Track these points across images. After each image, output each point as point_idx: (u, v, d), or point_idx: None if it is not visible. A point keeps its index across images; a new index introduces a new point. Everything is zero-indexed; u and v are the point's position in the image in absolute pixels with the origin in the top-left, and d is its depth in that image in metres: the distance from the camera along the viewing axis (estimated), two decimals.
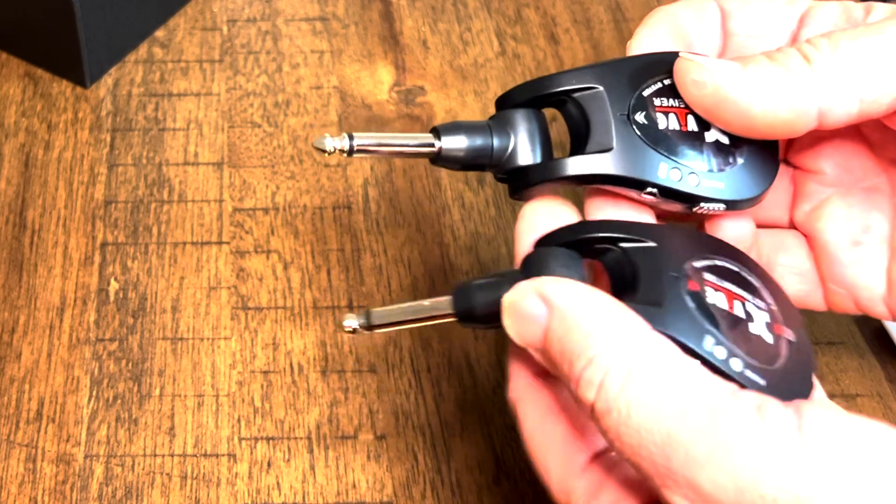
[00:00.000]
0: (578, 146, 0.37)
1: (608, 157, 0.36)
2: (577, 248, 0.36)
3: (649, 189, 0.37)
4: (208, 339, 0.48)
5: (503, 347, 0.48)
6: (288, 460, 0.44)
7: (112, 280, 0.50)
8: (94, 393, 0.46)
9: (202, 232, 0.52)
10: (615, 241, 0.36)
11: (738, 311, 0.35)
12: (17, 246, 0.51)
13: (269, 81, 0.58)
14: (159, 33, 0.60)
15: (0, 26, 0.58)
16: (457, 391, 0.47)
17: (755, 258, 0.38)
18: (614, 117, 0.37)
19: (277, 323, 0.48)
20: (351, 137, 0.37)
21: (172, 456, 0.44)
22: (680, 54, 0.36)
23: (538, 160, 0.37)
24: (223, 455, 0.44)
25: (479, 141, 0.37)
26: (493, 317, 0.34)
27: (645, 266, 0.34)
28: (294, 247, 0.51)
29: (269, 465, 0.44)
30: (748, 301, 0.35)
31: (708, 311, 0.34)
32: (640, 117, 0.37)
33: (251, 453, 0.44)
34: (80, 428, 0.45)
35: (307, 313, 0.49)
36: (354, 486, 0.44)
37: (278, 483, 0.44)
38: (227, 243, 0.51)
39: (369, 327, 0.37)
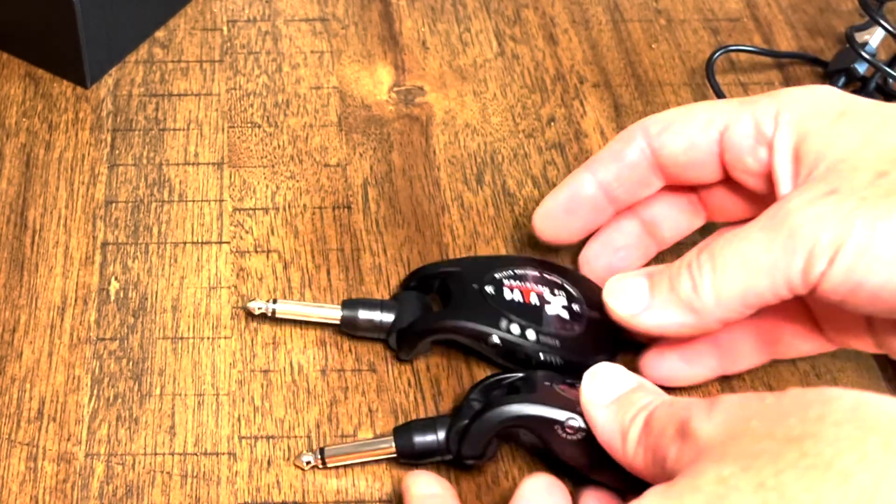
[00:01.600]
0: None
1: (459, 313, 0.46)
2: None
3: (493, 339, 0.45)
4: (208, 338, 0.48)
5: None
6: (288, 459, 0.45)
7: (113, 280, 0.50)
8: (95, 392, 0.46)
9: (202, 232, 0.52)
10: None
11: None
12: (18, 245, 0.51)
13: (269, 81, 0.58)
14: (159, 34, 0.60)
15: (1, 27, 0.58)
16: (456, 390, 0.47)
17: None
18: (467, 288, 0.46)
19: (277, 323, 0.49)
20: (274, 301, 0.47)
21: (173, 455, 0.44)
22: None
23: (415, 324, 0.46)
24: (223, 454, 0.45)
25: (369, 315, 0.47)
26: (426, 453, 0.43)
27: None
28: (294, 246, 0.51)
29: (269, 463, 0.44)
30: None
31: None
32: (489, 289, 0.46)
33: (251, 452, 0.45)
34: (81, 427, 0.45)
35: None
36: (354, 485, 0.44)
37: (278, 482, 0.44)
38: (228, 243, 0.51)
39: (323, 462, 0.44)
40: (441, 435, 0.43)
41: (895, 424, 0.32)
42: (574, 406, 0.41)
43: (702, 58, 0.61)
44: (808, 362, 0.48)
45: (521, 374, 0.44)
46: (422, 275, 0.49)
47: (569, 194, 0.47)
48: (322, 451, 0.44)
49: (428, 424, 0.43)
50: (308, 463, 0.44)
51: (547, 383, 0.43)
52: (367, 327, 0.47)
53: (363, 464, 0.44)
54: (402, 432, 0.43)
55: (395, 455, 0.43)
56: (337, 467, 0.44)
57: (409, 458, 0.43)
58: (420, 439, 0.43)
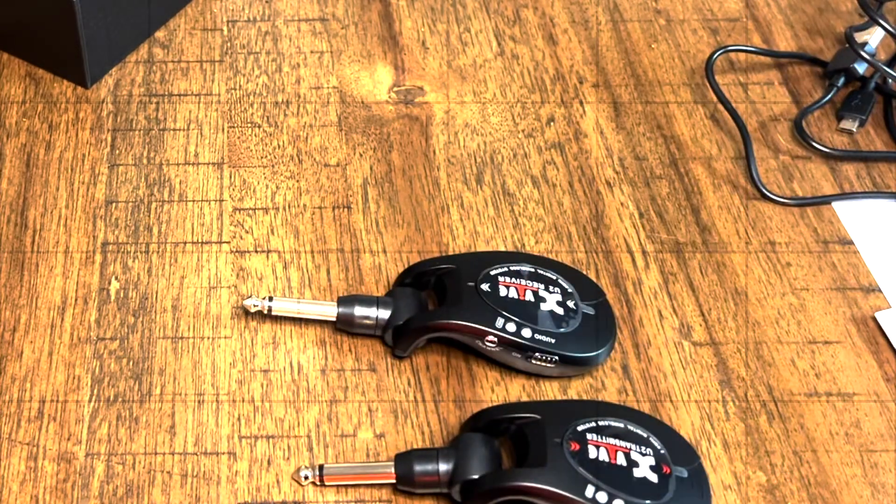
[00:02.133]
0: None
1: (455, 311, 0.46)
2: (490, 431, 0.44)
3: (489, 337, 0.45)
4: (208, 338, 0.48)
5: None
6: (288, 458, 0.45)
7: (113, 279, 0.50)
8: (95, 392, 0.46)
9: (202, 231, 0.52)
10: (511, 419, 0.44)
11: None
12: (18, 245, 0.51)
13: (269, 82, 0.59)
14: (160, 34, 0.60)
15: (1, 27, 0.58)
16: (455, 390, 0.47)
17: None
18: (463, 285, 0.47)
19: (277, 322, 0.49)
20: (270, 298, 0.47)
21: (173, 454, 0.44)
22: None
23: (411, 321, 0.47)
24: (223, 453, 0.45)
25: (365, 311, 0.47)
26: (426, 484, 0.43)
27: (532, 436, 0.43)
28: (294, 246, 0.51)
29: (268, 463, 0.44)
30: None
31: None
32: (485, 286, 0.47)
33: (251, 451, 0.45)
34: (81, 426, 0.45)
35: None
36: (354, 486, 0.44)
37: (278, 481, 0.44)
38: (227, 243, 0.52)
39: (321, 479, 0.43)
40: (442, 467, 0.43)
41: None
42: (588, 480, 0.41)
43: (701, 58, 0.61)
44: (808, 362, 0.48)
45: (527, 419, 0.44)
46: (417, 272, 0.49)
47: None
48: (321, 468, 0.44)
49: (430, 455, 0.43)
50: (306, 478, 0.43)
51: (557, 440, 0.42)
52: (363, 324, 0.47)
53: (361, 484, 0.44)
54: (403, 459, 0.43)
55: (393, 482, 0.43)
56: (336, 484, 0.44)
57: (408, 486, 0.43)
58: (420, 468, 0.43)
